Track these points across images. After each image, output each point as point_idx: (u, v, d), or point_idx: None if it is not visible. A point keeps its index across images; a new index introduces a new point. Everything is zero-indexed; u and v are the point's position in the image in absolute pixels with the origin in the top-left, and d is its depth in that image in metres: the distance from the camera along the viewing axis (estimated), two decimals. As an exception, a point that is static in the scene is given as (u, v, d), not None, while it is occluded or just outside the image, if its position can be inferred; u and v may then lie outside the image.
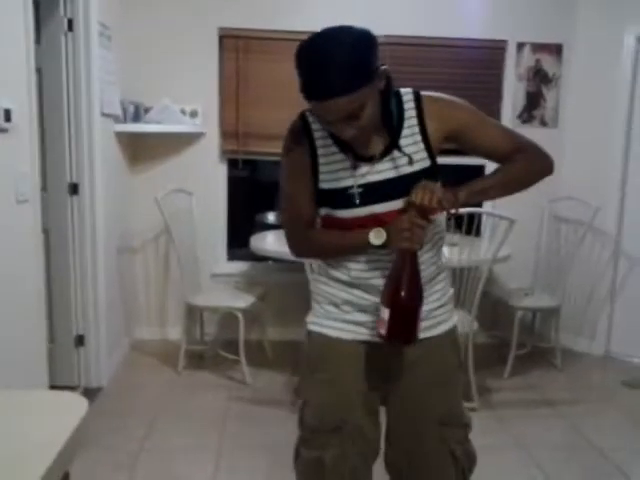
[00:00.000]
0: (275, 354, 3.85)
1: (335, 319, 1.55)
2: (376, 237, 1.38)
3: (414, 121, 1.47)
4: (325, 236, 1.53)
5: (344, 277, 1.53)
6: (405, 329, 1.40)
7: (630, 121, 3.93)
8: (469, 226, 3.07)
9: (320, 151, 1.47)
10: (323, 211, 1.52)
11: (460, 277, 3.02)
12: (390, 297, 1.39)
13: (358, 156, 1.45)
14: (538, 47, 4.13)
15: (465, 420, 1.62)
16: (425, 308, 1.47)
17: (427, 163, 1.47)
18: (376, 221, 1.43)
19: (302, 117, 1.50)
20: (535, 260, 4.21)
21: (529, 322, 4.16)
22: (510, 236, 3.05)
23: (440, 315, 1.58)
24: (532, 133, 4.49)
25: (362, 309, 1.53)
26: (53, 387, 2.90)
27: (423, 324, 1.48)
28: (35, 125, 2.52)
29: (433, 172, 1.47)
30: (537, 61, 4.15)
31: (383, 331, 1.40)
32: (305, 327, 1.62)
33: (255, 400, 3.27)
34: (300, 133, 1.49)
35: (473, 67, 4.10)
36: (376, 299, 1.47)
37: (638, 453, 2.91)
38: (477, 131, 1.49)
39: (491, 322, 4.17)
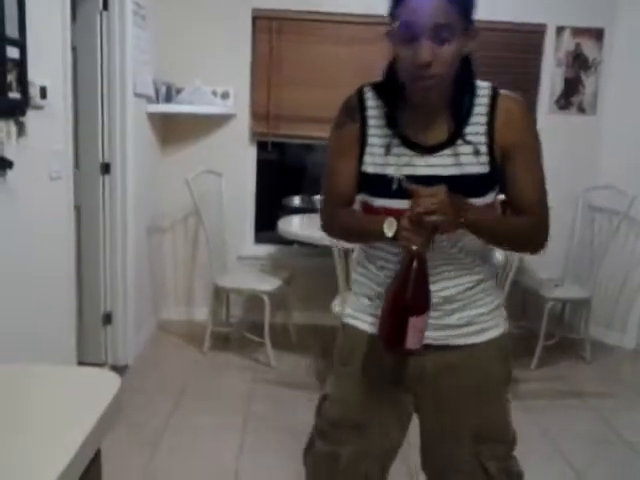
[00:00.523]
0: (300, 338, 3.86)
1: (368, 313, 1.47)
2: (388, 228, 1.27)
3: (483, 119, 1.32)
4: (349, 217, 1.46)
5: (377, 270, 1.45)
6: (392, 332, 1.29)
7: (671, 109, 3.82)
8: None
9: (371, 130, 1.37)
10: (361, 197, 1.44)
11: (490, 265, 2.97)
12: (386, 294, 1.33)
13: (411, 143, 1.34)
14: (578, 31, 4.02)
15: (507, 437, 1.48)
16: (471, 313, 1.40)
17: (485, 169, 1.31)
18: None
19: (359, 92, 1.41)
20: (567, 250, 4.13)
21: (559, 313, 4.09)
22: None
23: (486, 322, 1.43)
24: (569, 120, 4.42)
25: None
26: (81, 364, 2.94)
27: (467, 329, 1.41)
28: (70, 103, 2.53)
29: (489, 181, 1.33)
30: (577, 46, 4.04)
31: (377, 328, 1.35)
32: (341, 318, 1.57)
33: (279, 382, 3.28)
34: (354, 108, 1.40)
35: (511, 51, 4.01)
36: None
37: (669, 449, 2.85)
38: (523, 162, 1.34)
39: (520, 312, 4.10)
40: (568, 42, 4.03)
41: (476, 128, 1.32)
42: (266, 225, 4.25)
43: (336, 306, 3.13)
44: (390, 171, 1.34)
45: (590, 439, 2.87)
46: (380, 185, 1.36)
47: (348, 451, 1.46)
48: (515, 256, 3.04)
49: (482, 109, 1.33)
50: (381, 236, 1.28)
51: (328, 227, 1.53)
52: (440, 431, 1.48)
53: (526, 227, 1.38)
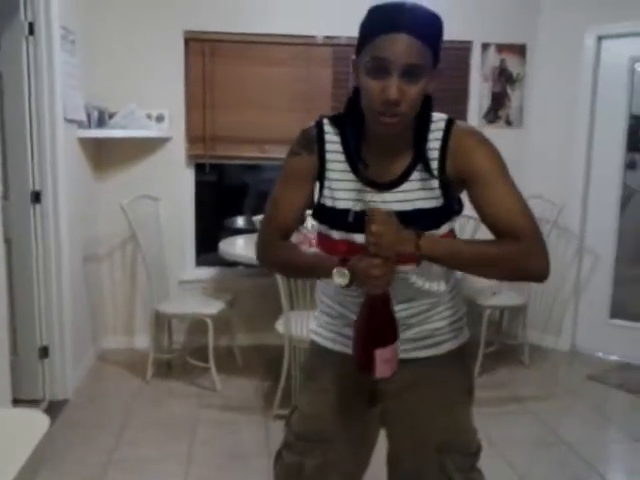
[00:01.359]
0: (245, 360, 3.82)
1: (331, 330, 1.50)
2: (341, 278, 1.24)
3: (436, 153, 1.32)
4: (293, 254, 1.43)
5: (335, 292, 1.46)
6: (362, 362, 1.31)
7: (592, 120, 4.01)
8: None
9: (330, 165, 1.38)
10: (319, 228, 1.44)
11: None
12: (354, 325, 1.34)
13: (368, 180, 1.34)
14: (502, 47, 4.19)
15: (472, 448, 1.49)
16: (429, 327, 1.43)
17: (439, 202, 1.32)
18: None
19: (318, 125, 1.40)
20: (502, 259, 4.26)
21: (497, 320, 4.21)
22: (477, 234, 3.09)
23: (444, 334, 1.45)
24: (498, 133, 4.58)
25: (351, 325, 1.41)
26: (17, 401, 2.83)
27: (425, 342, 1.44)
28: (-6, 132, 2.46)
29: (444, 213, 1.34)
30: (502, 61, 4.21)
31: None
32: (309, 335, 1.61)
33: (225, 407, 3.24)
34: (312, 141, 1.39)
35: (439, 68, 4.13)
36: None
37: (606, 446, 2.97)
38: (489, 188, 1.28)
39: (460, 321, 4.21)
40: (493, 58, 4.20)
41: (431, 163, 1.32)
42: (208, 247, 4.22)
43: (280, 325, 3.13)
44: (348, 205, 1.36)
45: (531, 442, 2.95)
46: (339, 218, 1.37)
47: (312, 463, 1.48)
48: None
49: (436, 143, 1.32)
50: (323, 276, 1.28)
51: (265, 258, 1.48)
52: (406, 445, 1.50)
53: (505, 251, 1.27)
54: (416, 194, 1.32)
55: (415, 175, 1.32)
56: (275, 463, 1.59)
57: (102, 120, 3.74)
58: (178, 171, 4.04)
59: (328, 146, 1.38)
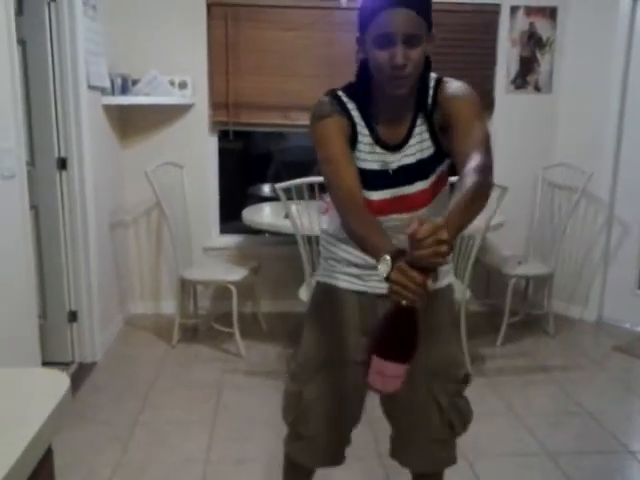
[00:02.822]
0: (269, 326, 3.87)
1: (333, 271, 1.66)
2: (382, 267, 1.20)
3: (429, 107, 1.50)
4: (361, 225, 1.36)
5: (341, 235, 1.56)
6: (373, 376, 1.28)
7: (625, 85, 3.89)
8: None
9: (360, 136, 1.50)
10: None
11: (453, 245, 3.01)
12: (369, 341, 1.30)
13: (384, 144, 1.50)
14: (532, 10, 4.06)
15: (459, 376, 1.65)
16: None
17: (432, 150, 1.51)
18: (400, 202, 1.51)
19: (336, 96, 1.51)
20: (529, 227, 4.21)
21: (522, 289, 4.17)
22: (503, 203, 3.04)
23: (441, 272, 1.58)
24: (526, 99, 4.49)
25: (354, 264, 1.61)
26: (46, 364, 2.91)
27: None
28: (19, 99, 2.47)
29: (438, 158, 1.52)
30: (531, 25, 4.09)
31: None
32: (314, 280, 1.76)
33: (249, 372, 3.29)
34: (336, 107, 1.48)
35: (466, 32, 4.04)
36: (369, 259, 1.41)
37: (628, 417, 2.94)
38: (463, 125, 1.41)
39: (484, 290, 4.18)
40: (522, 21, 4.08)
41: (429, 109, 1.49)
42: (232, 214, 4.23)
43: (303, 292, 3.15)
44: (375, 166, 1.50)
45: (553, 411, 2.94)
46: (370, 179, 1.50)
47: (310, 390, 1.63)
48: (477, 236, 3.09)
49: (430, 99, 1.50)
50: (376, 258, 1.25)
51: (348, 227, 1.41)
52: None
53: (477, 189, 1.29)
54: (416, 147, 1.51)
55: (416, 131, 1.50)
56: (283, 395, 1.74)
57: (125, 87, 3.74)
58: (202, 138, 4.04)
59: (351, 111, 1.50)
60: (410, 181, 1.52)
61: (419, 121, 1.50)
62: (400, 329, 1.23)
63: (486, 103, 4.16)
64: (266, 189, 5.60)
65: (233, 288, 3.47)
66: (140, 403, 2.92)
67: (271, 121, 4.02)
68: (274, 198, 4.52)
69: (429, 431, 1.65)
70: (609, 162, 3.97)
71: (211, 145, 4.10)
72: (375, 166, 1.51)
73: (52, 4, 3.01)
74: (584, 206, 4.03)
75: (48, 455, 0.92)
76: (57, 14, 3.02)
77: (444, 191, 1.59)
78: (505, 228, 3.52)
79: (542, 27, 4.09)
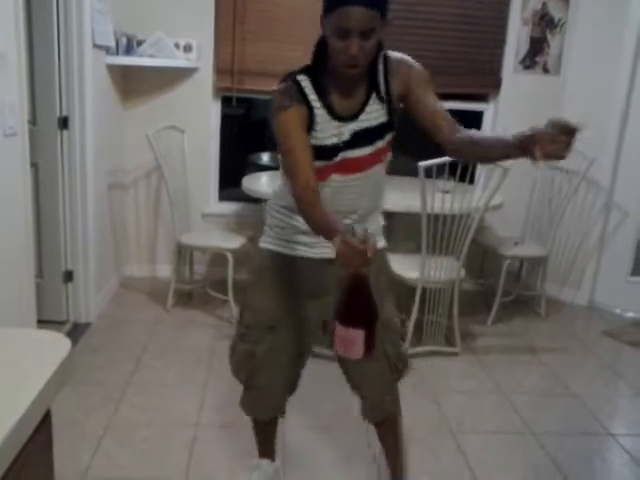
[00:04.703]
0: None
1: (281, 239, 1.81)
2: (334, 246, 1.36)
3: (382, 82, 1.69)
4: (312, 209, 1.54)
5: (287, 204, 1.74)
6: (337, 342, 1.43)
7: (634, 71, 3.86)
8: (463, 173, 3.05)
9: (315, 111, 1.63)
10: None
11: (451, 224, 3.03)
12: (333, 309, 1.44)
13: (340, 116, 1.66)
14: (545, -10, 4.01)
15: (398, 327, 1.93)
16: (372, 226, 1.69)
17: (385, 119, 1.70)
18: (343, 164, 1.68)
19: (295, 81, 1.64)
20: (527, 209, 4.22)
21: (516, 270, 4.20)
22: (504, 185, 3.04)
23: (378, 235, 1.84)
24: (534, 80, 4.45)
25: (303, 232, 1.75)
26: (42, 322, 2.93)
27: None
28: (23, 54, 2.44)
29: (389, 127, 1.71)
30: (544, 5, 4.03)
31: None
32: (258, 244, 1.88)
33: (243, 339, 3.32)
34: (296, 93, 1.62)
35: (478, 9, 3.99)
36: None
37: (613, 401, 3.00)
38: (425, 93, 1.69)
39: (479, 269, 4.21)
40: (535, 1, 4.02)
41: (381, 90, 1.69)
42: (233, 182, 4.22)
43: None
44: (332, 141, 1.66)
45: (539, 392, 3.00)
46: (323, 152, 1.65)
47: (262, 348, 1.82)
48: (476, 215, 3.10)
49: (381, 76, 1.69)
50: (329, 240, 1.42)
51: (301, 212, 1.58)
52: None
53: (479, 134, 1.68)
54: (370, 115, 1.68)
55: (370, 103, 1.68)
56: (231, 355, 1.93)
57: (130, 47, 3.70)
58: (204, 103, 4.00)
59: (309, 96, 1.64)
60: (356, 145, 1.67)
61: (373, 94, 1.67)
62: (352, 295, 1.39)
63: (494, 82, 4.13)
64: (265, 158, 5.57)
65: (230, 255, 3.49)
66: (133, 365, 2.96)
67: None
68: (273, 167, 4.51)
69: (379, 378, 1.87)
70: (612, 148, 3.96)
71: (213, 111, 4.07)
72: (333, 140, 1.65)
73: (58, -42, 2.96)
74: (583, 190, 4.04)
75: (47, 417, 0.94)
76: (63, -31, 2.97)
77: (383, 163, 1.75)
78: (504, 209, 3.53)
79: (555, 8, 4.03)
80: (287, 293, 1.82)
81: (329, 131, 1.65)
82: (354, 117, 1.67)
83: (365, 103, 1.68)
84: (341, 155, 1.67)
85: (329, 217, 1.48)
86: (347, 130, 1.67)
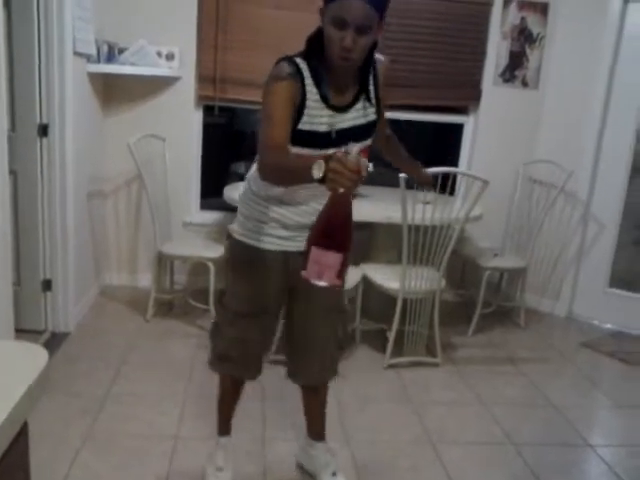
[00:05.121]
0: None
1: (264, 234, 1.87)
2: (318, 169, 1.35)
3: (372, 85, 1.80)
4: (282, 156, 1.59)
5: (276, 195, 1.81)
6: (304, 259, 1.43)
7: (610, 86, 3.94)
8: (443, 185, 3.07)
9: (308, 95, 1.67)
10: (296, 150, 1.69)
11: (431, 235, 3.04)
12: (310, 235, 1.45)
13: (331, 105, 1.71)
14: (524, 5, 4.07)
15: (345, 308, 2.19)
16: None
17: (374, 117, 1.81)
18: None
19: (293, 63, 1.67)
20: (506, 221, 4.26)
21: (496, 281, 4.23)
22: (483, 196, 3.07)
23: None
24: (513, 94, 4.51)
25: (287, 227, 1.86)
26: (19, 331, 2.89)
27: None
28: (3, 66, 2.41)
29: (374, 128, 1.83)
30: (522, 19, 4.10)
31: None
32: (231, 235, 1.95)
33: (223, 349, 3.29)
34: (294, 71, 1.66)
35: (458, 22, 4.03)
36: (299, 219, 1.83)
37: (592, 411, 3.03)
38: (384, 103, 1.86)
39: (459, 280, 4.24)
40: (514, 15, 4.08)
41: (370, 92, 1.79)
42: (214, 191, 4.20)
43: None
44: (322, 128, 1.70)
45: (519, 402, 3.01)
46: (314, 139, 1.69)
47: (253, 334, 1.98)
48: (456, 226, 3.12)
49: (371, 79, 1.79)
50: (309, 178, 1.37)
51: (267, 170, 1.62)
52: (308, 312, 2.02)
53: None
54: (360, 112, 1.77)
55: (360, 100, 1.77)
56: (214, 337, 2.07)
57: (112, 55, 3.68)
58: (186, 112, 3.99)
59: (305, 79, 1.67)
60: (346, 142, 1.63)
61: (362, 95, 1.76)
62: (336, 217, 1.40)
63: (474, 94, 4.17)
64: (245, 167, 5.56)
65: (211, 265, 3.47)
66: (112, 376, 2.92)
67: (258, 98, 3.96)
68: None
69: (327, 353, 2.08)
70: (589, 161, 4.03)
71: (195, 119, 4.06)
72: (322, 128, 1.70)
73: (39, -34, 2.94)
74: (562, 203, 4.09)
75: (23, 429, 0.92)
76: (44, -25, 2.95)
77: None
78: (483, 220, 3.56)
79: (533, 22, 4.10)
80: (274, 283, 1.94)
81: (320, 118, 1.69)
82: (346, 108, 1.74)
83: (355, 101, 1.76)
84: (333, 149, 1.61)
85: (303, 156, 1.53)
86: (340, 121, 1.72)
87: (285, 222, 1.86)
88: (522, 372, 3.33)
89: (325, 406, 2.23)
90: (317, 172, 1.34)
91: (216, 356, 2.08)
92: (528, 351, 3.63)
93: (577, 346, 3.76)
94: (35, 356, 0.97)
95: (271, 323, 2.06)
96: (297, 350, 2.11)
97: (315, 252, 1.40)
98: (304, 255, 1.44)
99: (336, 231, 1.40)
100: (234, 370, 2.09)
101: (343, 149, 1.33)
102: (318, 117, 1.69)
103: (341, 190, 1.32)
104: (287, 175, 1.56)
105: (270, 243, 1.88)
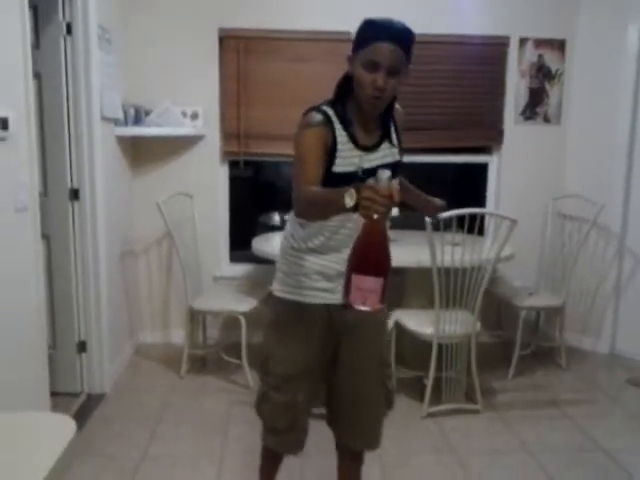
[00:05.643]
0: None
1: (306, 287, 1.85)
2: (350, 198, 1.41)
3: (393, 129, 1.87)
4: (314, 191, 1.65)
5: (315, 247, 1.82)
6: (345, 288, 1.45)
7: (635, 116, 3.90)
8: (471, 225, 3.04)
9: (339, 139, 1.74)
10: None
11: (463, 277, 3.00)
12: (349, 262, 1.47)
13: (360, 146, 1.77)
14: (541, 43, 4.10)
15: (390, 362, 2.18)
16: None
17: (397, 157, 1.87)
18: None
19: (322, 111, 1.75)
20: (539, 258, 4.18)
21: (533, 321, 4.13)
22: (514, 234, 3.03)
23: None
24: (535, 130, 4.51)
25: (329, 278, 1.84)
26: (55, 393, 2.90)
27: None
28: (33, 133, 2.51)
29: (400, 165, 1.88)
30: (540, 57, 4.12)
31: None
32: (273, 294, 1.92)
33: (258, 404, 3.25)
34: (324, 119, 1.72)
35: (476, 63, 4.07)
36: (340, 268, 1.77)
37: (644, 454, 2.88)
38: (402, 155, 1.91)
39: (495, 322, 4.15)
40: (531, 53, 4.11)
41: (392, 132, 1.86)
42: (243, 243, 4.23)
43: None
44: (352, 169, 1.76)
45: (566, 447, 2.88)
46: (345, 180, 1.69)
47: (301, 397, 1.89)
48: (488, 267, 3.07)
49: (392, 124, 1.87)
50: (342, 207, 1.44)
51: (300, 207, 1.69)
52: (357, 367, 1.93)
53: None
54: (386, 152, 1.83)
55: (385, 141, 1.83)
56: (261, 405, 1.97)
57: (139, 118, 3.79)
58: (213, 168, 4.07)
59: (334, 124, 1.74)
60: None
61: (385, 139, 1.82)
62: (372, 243, 1.42)
63: (495, 134, 4.17)
64: (275, 218, 5.60)
65: (242, 319, 3.46)
66: (148, 436, 2.90)
67: (282, 151, 4.04)
68: (283, 227, 4.52)
69: (377, 410, 2.00)
70: (619, 193, 3.96)
71: (221, 174, 4.13)
72: (350, 168, 1.74)
73: (68, 38, 3.07)
74: (595, 237, 4.01)
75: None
76: (73, 48, 3.08)
77: None
78: (516, 259, 3.50)
79: (551, 59, 4.11)
80: (313, 341, 1.88)
81: (351, 159, 1.75)
82: (373, 149, 1.79)
83: (381, 141, 1.82)
84: None
85: (335, 189, 1.53)
86: (366, 161, 1.77)
87: (327, 272, 1.84)
88: (567, 415, 3.20)
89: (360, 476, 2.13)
90: (349, 200, 1.40)
91: (266, 429, 2.00)
92: (572, 392, 3.50)
93: (623, 384, 3.62)
94: (63, 427, 0.96)
95: (317, 387, 1.98)
96: (345, 411, 1.99)
97: (356, 278, 1.42)
98: (345, 282, 1.45)
99: (374, 256, 1.43)
100: (280, 445, 2.02)
101: (374, 178, 1.39)
102: (349, 158, 1.75)
103: (375, 216, 1.36)
104: (321, 207, 1.61)
105: (313, 296, 1.85)
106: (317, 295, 1.85)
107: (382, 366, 1.99)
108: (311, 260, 1.84)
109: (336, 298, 1.82)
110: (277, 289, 1.91)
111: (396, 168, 1.83)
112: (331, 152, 1.73)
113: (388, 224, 1.59)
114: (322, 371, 1.95)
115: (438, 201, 2.03)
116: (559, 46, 4.10)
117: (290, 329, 1.90)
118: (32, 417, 1.01)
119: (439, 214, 2.31)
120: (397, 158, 1.87)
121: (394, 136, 1.86)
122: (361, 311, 1.45)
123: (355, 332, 1.91)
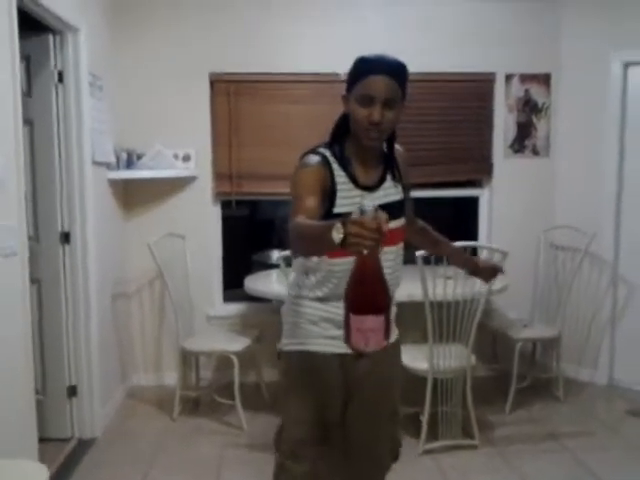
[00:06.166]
0: (272, 396, 3.79)
1: (316, 336, 1.77)
2: (337, 233, 1.28)
3: (394, 164, 1.84)
4: (305, 224, 1.54)
5: (323, 295, 1.76)
6: (345, 331, 1.35)
7: (622, 145, 3.94)
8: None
9: (338, 179, 1.71)
10: None
11: (455, 310, 2.99)
12: (345, 302, 1.36)
13: (360, 185, 1.74)
14: (526, 77, 4.17)
15: (399, 410, 1.99)
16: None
17: (400, 196, 1.83)
18: None
19: (316, 152, 1.73)
20: (533, 289, 4.17)
21: (529, 353, 4.09)
22: (507, 266, 3.02)
23: (392, 327, 1.81)
24: (524, 163, 4.56)
25: (337, 325, 1.70)
26: (45, 440, 2.86)
27: None
28: (22, 179, 2.52)
29: (403, 206, 1.84)
30: (526, 91, 4.18)
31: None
32: (282, 350, 1.83)
33: (251, 445, 3.20)
34: (320, 160, 1.71)
35: (463, 100, 4.14)
36: None
37: (646, 487, 2.83)
38: (409, 193, 1.88)
39: (491, 355, 4.11)
40: (517, 88, 4.17)
41: (395, 171, 1.83)
42: (237, 282, 4.22)
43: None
44: (352, 208, 1.59)
45: (566, 482, 2.84)
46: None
47: (321, 465, 1.78)
48: (481, 299, 3.06)
49: (394, 161, 1.83)
50: (332, 242, 1.31)
51: (294, 242, 1.60)
52: (370, 421, 1.85)
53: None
54: (389, 191, 1.79)
55: (387, 179, 1.80)
56: (278, 477, 1.84)
57: (131, 161, 3.83)
58: (205, 208, 4.09)
59: (332, 165, 1.72)
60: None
61: (388, 175, 1.80)
62: (366, 280, 1.31)
63: (485, 168, 4.21)
64: (268, 256, 5.60)
65: (235, 358, 3.43)
66: (140, 481, 2.85)
67: (273, 190, 4.06)
68: (277, 265, 4.52)
69: (378, 462, 1.92)
70: (610, 223, 3.97)
71: (214, 215, 4.15)
72: (351, 208, 1.56)
73: (60, 86, 3.13)
74: (588, 267, 4.01)
75: None
76: (64, 95, 3.14)
77: (400, 244, 1.82)
78: (509, 291, 3.50)
79: (537, 93, 4.18)
80: (327, 397, 1.78)
81: (352, 199, 1.70)
82: (374, 189, 1.75)
83: (384, 173, 1.79)
84: None
85: (324, 222, 1.44)
86: (369, 201, 1.64)
87: (336, 319, 1.72)
88: (566, 448, 3.15)
89: None
90: (337, 236, 1.27)
91: None
92: (570, 425, 3.45)
93: (622, 415, 3.57)
94: (36, 475, 0.95)
95: (337, 456, 1.85)
96: (348, 466, 1.91)
97: (354, 319, 1.32)
98: (344, 324, 1.36)
99: (370, 293, 1.32)
100: None
101: (357, 208, 1.27)
102: (350, 198, 1.70)
103: (365, 252, 1.25)
104: (310, 240, 1.50)
105: (324, 345, 1.77)
106: (327, 343, 1.77)
107: (393, 417, 1.91)
108: (319, 308, 1.77)
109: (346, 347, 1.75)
110: (286, 343, 1.83)
111: (401, 206, 1.81)
112: (331, 193, 1.69)
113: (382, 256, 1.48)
114: (340, 438, 1.83)
115: (493, 264, 2.06)
116: (544, 80, 4.18)
117: (302, 382, 1.79)
118: (3, 465, 0.99)
119: (493, 279, 2.25)
120: (400, 197, 1.82)
121: (397, 174, 1.82)
122: (370, 354, 1.37)
123: (367, 384, 1.82)
